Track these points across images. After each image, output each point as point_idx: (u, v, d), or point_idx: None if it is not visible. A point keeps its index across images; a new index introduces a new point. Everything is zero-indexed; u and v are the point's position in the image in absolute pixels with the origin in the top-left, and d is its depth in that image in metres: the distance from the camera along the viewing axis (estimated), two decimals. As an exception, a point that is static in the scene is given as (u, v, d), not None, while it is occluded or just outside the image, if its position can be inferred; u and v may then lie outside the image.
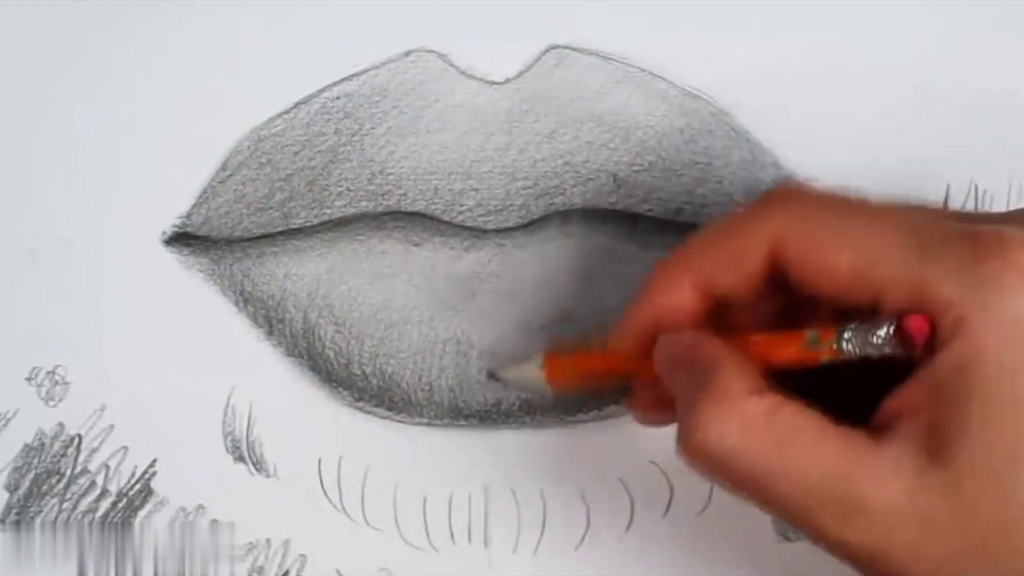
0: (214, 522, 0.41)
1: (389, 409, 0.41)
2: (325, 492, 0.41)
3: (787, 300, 0.34)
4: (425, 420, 0.41)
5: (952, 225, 0.32)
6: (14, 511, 0.41)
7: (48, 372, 0.41)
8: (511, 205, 0.40)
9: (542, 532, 0.41)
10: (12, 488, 0.41)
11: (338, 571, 0.41)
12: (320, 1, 0.41)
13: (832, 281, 0.32)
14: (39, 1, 0.41)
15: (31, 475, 0.41)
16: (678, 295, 0.34)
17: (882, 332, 0.32)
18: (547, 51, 0.41)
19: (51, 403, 0.41)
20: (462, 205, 0.40)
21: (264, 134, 0.41)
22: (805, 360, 0.33)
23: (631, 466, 0.41)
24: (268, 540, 0.41)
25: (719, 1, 0.41)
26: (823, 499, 0.31)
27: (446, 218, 0.40)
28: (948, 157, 0.41)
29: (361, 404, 0.41)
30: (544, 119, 0.41)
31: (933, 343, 0.31)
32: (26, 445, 0.41)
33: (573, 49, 0.41)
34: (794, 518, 0.31)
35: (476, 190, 0.40)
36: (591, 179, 0.41)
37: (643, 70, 0.41)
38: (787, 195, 0.33)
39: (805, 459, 0.31)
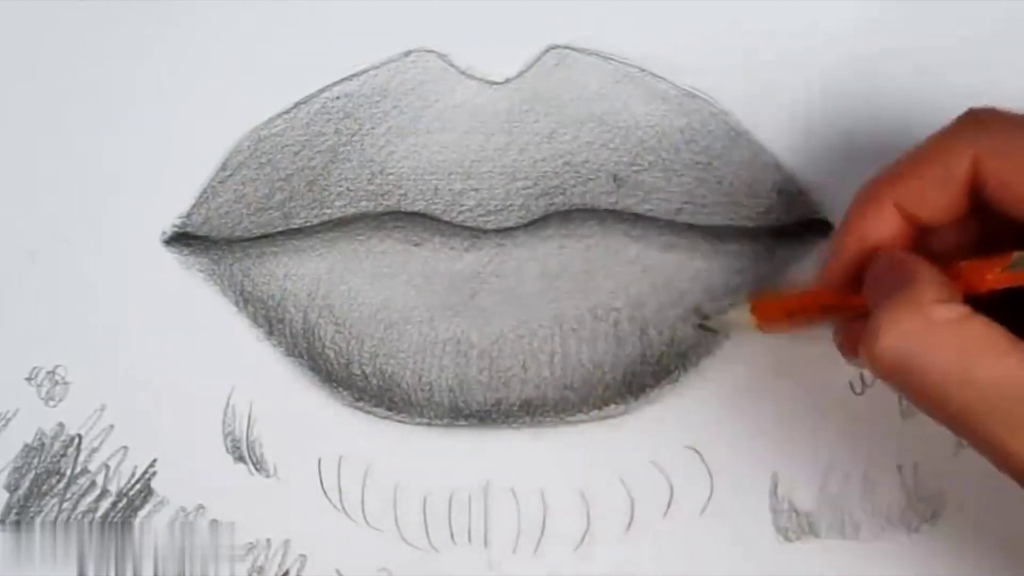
0: (214, 522, 0.41)
1: (389, 409, 0.41)
2: (325, 492, 0.41)
3: (988, 230, 0.35)
4: (425, 420, 0.41)
5: None
6: (14, 511, 0.41)
7: (48, 372, 0.41)
8: (511, 205, 0.40)
9: (542, 532, 0.41)
10: (12, 488, 0.41)
11: (338, 571, 0.41)
12: (320, 1, 0.41)
13: None
14: (39, 1, 0.41)
15: (31, 475, 0.41)
16: (883, 220, 0.35)
17: None
18: (547, 51, 0.41)
19: (51, 403, 0.41)
20: (462, 205, 0.40)
21: (264, 134, 0.41)
22: (1009, 282, 0.33)
23: (631, 466, 0.41)
24: (268, 540, 0.41)
25: (719, 1, 0.41)
26: (1001, 409, 0.31)
27: (446, 218, 0.40)
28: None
29: (361, 404, 0.41)
30: (544, 119, 0.41)
31: None
32: (26, 445, 0.41)
33: (573, 49, 0.41)
34: (967, 427, 0.32)
35: (476, 190, 0.40)
36: (591, 179, 0.41)
37: (643, 70, 0.41)
38: (984, 117, 0.34)
39: (988, 368, 0.31)
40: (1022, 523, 0.40)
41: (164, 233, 0.41)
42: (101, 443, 0.41)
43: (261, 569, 0.41)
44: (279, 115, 0.41)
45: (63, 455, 0.41)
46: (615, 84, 0.41)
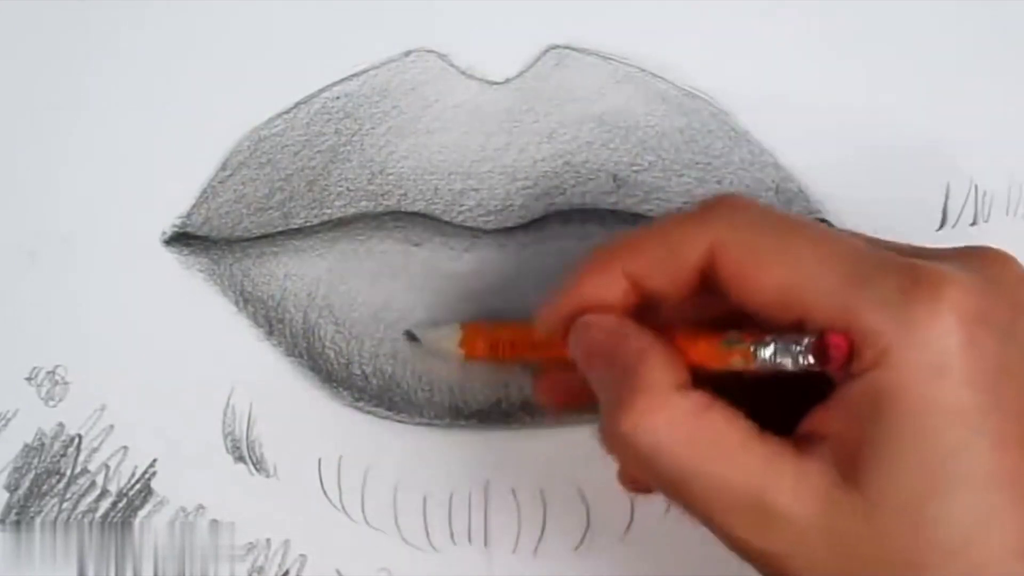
0: (214, 522, 0.41)
1: (389, 409, 0.41)
2: (325, 492, 0.41)
3: (716, 310, 0.34)
4: (425, 420, 0.41)
5: (891, 256, 0.32)
6: (14, 511, 0.41)
7: (48, 372, 0.41)
8: (511, 205, 0.40)
9: (542, 532, 0.41)
10: (12, 488, 0.41)
11: (338, 571, 0.41)
12: (320, 1, 0.41)
13: (762, 295, 0.32)
14: (40, 1, 0.41)
15: (31, 475, 0.41)
16: (609, 284, 0.34)
17: (802, 344, 0.31)
18: (547, 51, 0.41)
19: (51, 403, 0.41)
20: (462, 205, 0.40)
21: (264, 134, 0.41)
22: (721, 361, 0.33)
23: (631, 466, 0.41)
24: (268, 540, 0.41)
25: (719, 1, 0.41)
26: (740, 504, 0.31)
27: (446, 218, 0.40)
28: (948, 157, 0.41)
29: (361, 404, 0.41)
30: (544, 119, 0.41)
31: (850, 365, 0.31)
32: (26, 445, 0.41)
33: (573, 49, 0.41)
34: (708, 519, 0.32)
35: (476, 190, 0.40)
36: (591, 179, 0.41)
37: (643, 70, 0.41)
38: (731, 204, 0.33)
39: (728, 464, 0.31)
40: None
41: (164, 233, 0.41)
42: (101, 443, 0.41)
43: (261, 569, 0.41)
44: (279, 115, 0.41)
45: (63, 455, 0.41)
46: (615, 84, 0.41)
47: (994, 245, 0.33)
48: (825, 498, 0.30)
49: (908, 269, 0.31)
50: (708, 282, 0.33)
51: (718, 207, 0.33)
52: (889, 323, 0.30)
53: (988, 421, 0.30)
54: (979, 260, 0.32)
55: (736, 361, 0.32)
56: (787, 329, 0.32)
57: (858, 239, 0.33)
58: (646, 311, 0.34)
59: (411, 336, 0.40)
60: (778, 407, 0.32)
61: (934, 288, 0.30)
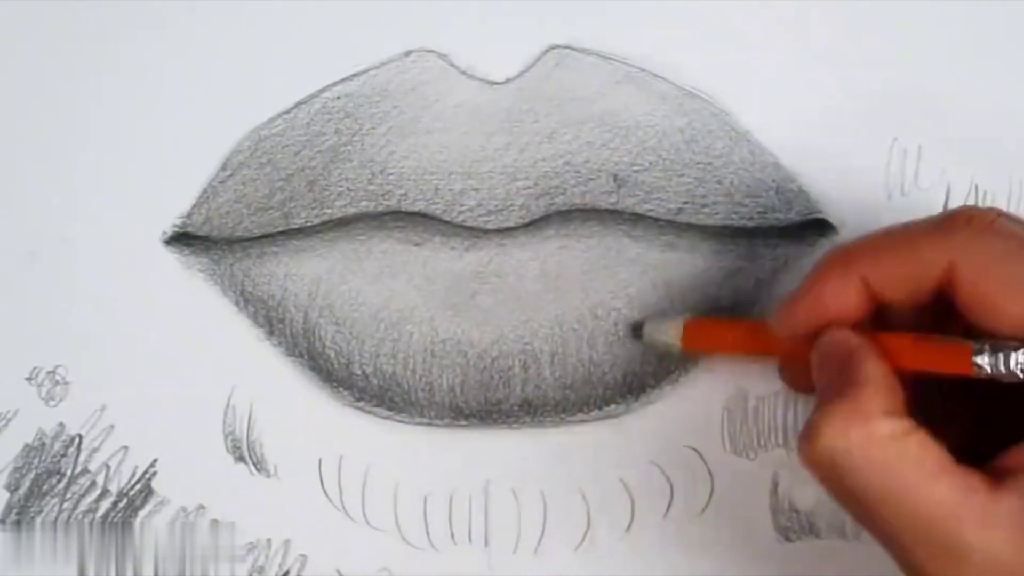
0: (214, 522, 0.41)
1: (389, 409, 0.41)
2: (325, 492, 0.41)
3: (945, 321, 0.34)
4: (425, 420, 0.41)
5: None
6: (14, 511, 0.41)
7: (48, 372, 0.41)
8: (511, 205, 0.40)
9: (542, 532, 0.41)
10: (12, 488, 0.41)
11: (338, 571, 0.41)
12: (320, 1, 0.41)
13: (1005, 322, 0.32)
14: (40, 1, 0.41)
15: (31, 475, 0.41)
16: (847, 291, 0.34)
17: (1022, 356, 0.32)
18: (547, 51, 0.41)
19: (51, 403, 0.41)
20: (462, 205, 0.40)
21: (264, 134, 0.41)
22: (963, 365, 0.33)
23: (631, 466, 0.41)
24: (268, 540, 0.41)
25: (719, 1, 0.41)
26: (928, 533, 0.31)
27: (446, 218, 0.40)
28: (948, 157, 0.41)
29: (361, 404, 0.41)
30: (544, 119, 0.41)
31: None
32: (26, 445, 0.41)
33: (573, 49, 0.41)
34: (893, 544, 0.32)
35: (476, 190, 0.40)
36: (591, 179, 0.41)
37: (643, 70, 0.41)
38: (974, 220, 0.33)
39: (919, 491, 0.31)
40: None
41: (164, 233, 0.41)
42: (101, 443, 0.41)
43: (261, 569, 0.41)
44: (279, 115, 0.41)
45: (63, 455, 0.41)
46: (615, 84, 0.41)
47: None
48: (1019, 535, 0.30)
49: None
50: (944, 297, 0.33)
51: (960, 222, 0.33)
52: None
53: None
54: None
55: (982, 366, 0.32)
56: None
57: None
58: (879, 315, 0.35)
59: (636, 331, 0.40)
60: (975, 438, 0.32)
61: None
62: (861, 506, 0.32)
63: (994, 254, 0.33)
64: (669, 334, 0.39)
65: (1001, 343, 0.32)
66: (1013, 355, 0.32)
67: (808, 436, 0.32)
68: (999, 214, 0.34)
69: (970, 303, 0.33)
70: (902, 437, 0.31)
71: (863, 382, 0.32)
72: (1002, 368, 0.32)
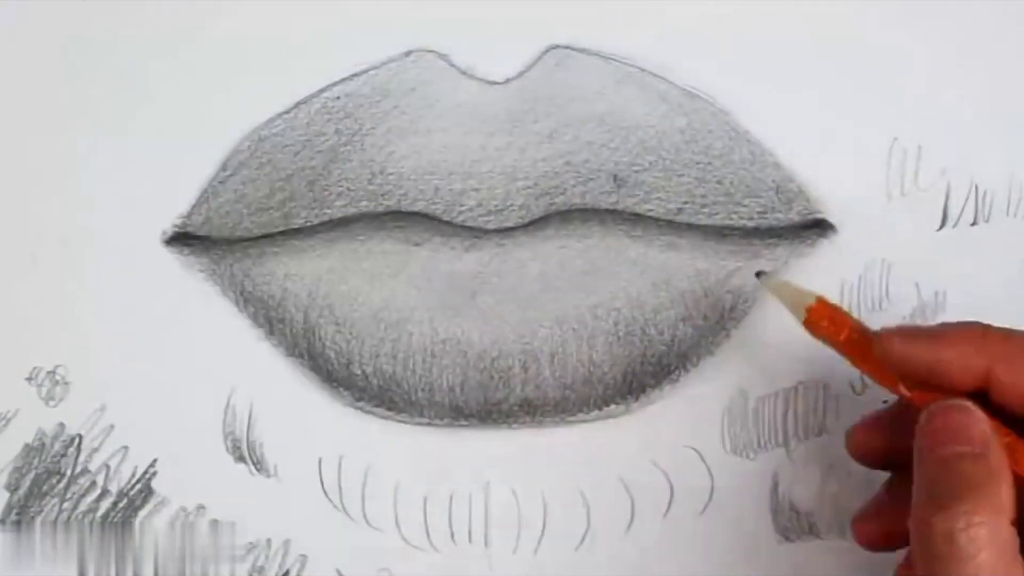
0: (214, 522, 0.41)
1: (389, 409, 0.41)
2: (325, 492, 0.41)
3: None
4: (425, 420, 0.41)
5: None
6: (14, 511, 0.41)
7: (48, 372, 0.41)
8: (511, 205, 0.40)
9: (542, 532, 0.41)
10: (12, 488, 0.41)
11: (338, 571, 0.41)
12: (320, 1, 0.41)
13: None
14: (40, 1, 0.41)
15: (31, 475, 0.41)
16: (968, 361, 0.34)
17: None
18: (547, 51, 0.41)
19: (51, 403, 0.41)
20: (462, 205, 0.40)
21: (264, 134, 0.41)
22: None
23: (631, 466, 0.41)
24: (268, 540, 0.41)
25: (719, 1, 0.41)
26: None
27: (446, 218, 0.40)
28: (948, 157, 0.41)
29: (361, 404, 0.41)
30: (544, 119, 0.41)
31: None
32: (26, 445, 0.41)
33: (573, 49, 0.41)
34: None
35: (476, 190, 0.40)
36: (591, 179, 0.41)
37: (643, 70, 0.41)
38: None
39: None
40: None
41: (164, 233, 0.41)
42: (101, 443, 0.41)
43: (261, 569, 0.41)
44: (279, 115, 0.41)
45: (63, 455, 0.41)
46: (615, 84, 0.41)
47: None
48: None
49: None
50: None
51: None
52: None
53: None
54: None
55: None
56: None
57: None
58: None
59: (761, 273, 0.40)
60: None
61: None
62: None
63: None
64: (798, 302, 0.38)
65: None
66: None
67: (927, 511, 0.32)
68: None
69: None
70: (1017, 553, 0.32)
71: (1000, 477, 0.32)
72: None
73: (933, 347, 0.35)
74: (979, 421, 0.34)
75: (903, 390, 0.36)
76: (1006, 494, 0.32)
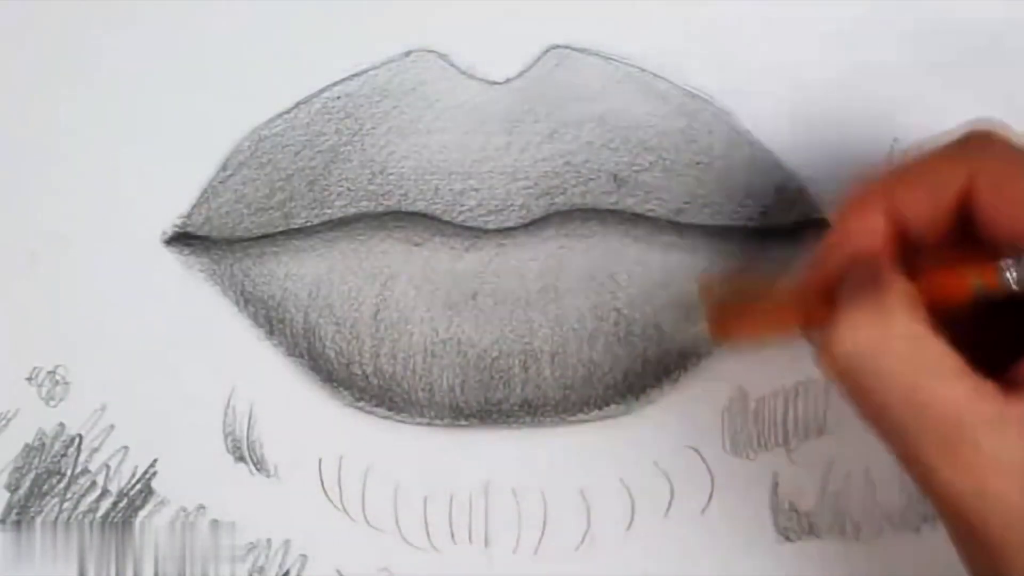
0: (214, 522, 0.41)
1: (389, 409, 0.41)
2: (325, 492, 0.41)
3: (968, 249, 0.35)
4: (425, 420, 0.41)
5: None
6: (14, 511, 0.41)
7: (48, 372, 0.41)
8: (511, 205, 0.40)
9: (542, 532, 0.41)
10: (12, 488, 0.41)
11: (338, 571, 0.41)
12: (320, 1, 0.41)
13: (1020, 227, 0.33)
14: (40, 1, 0.41)
15: (31, 475, 0.41)
16: (870, 226, 0.35)
17: None
18: (547, 51, 0.41)
19: (51, 403, 0.41)
20: (462, 205, 0.40)
21: (264, 134, 0.41)
22: (964, 288, 0.34)
23: (631, 466, 0.41)
24: (268, 540, 0.41)
25: (719, 1, 0.41)
26: (940, 431, 0.31)
27: (446, 218, 0.40)
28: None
29: (361, 404, 0.41)
30: (544, 119, 0.41)
31: None
32: (26, 445, 0.41)
33: (573, 49, 0.41)
34: (901, 444, 0.32)
35: (476, 190, 0.40)
36: (591, 179, 0.41)
37: (643, 70, 0.41)
38: (987, 136, 0.34)
39: (935, 390, 0.31)
40: (1022, 523, 0.40)
41: (164, 233, 0.41)
42: (101, 443, 0.41)
43: (261, 569, 0.41)
44: (279, 115, 0.41)
45: (63, 455, 0.41)
46: (615, 84, 0.41)
47: None
48: None
49: None
50: (964, 221, 0.34)
51: (974, 139, 0.34)
52: None
53: None
54: None
55: (981, 288, 0.33)
56: None
57: None
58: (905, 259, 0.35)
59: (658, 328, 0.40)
60: (984, 353, 0.33)
61: None
62: (874, 408, 0.32)
63: (1012, 163, 0.33)
64: (694, 327, 0.39)
65: (988, 267, 0.33)
66: (1010, 271, 0.33)
67: (826, 337, 0.32)
68: (1009, 132, 0.34)
69: (986, 213, 0.33)
70: (922, 338, 0.32)
71: (885, 287, 0.33)
72: (998, 284, 0.33)
73: (839, 239, 0.35)
74: (858, 262, 0.34)
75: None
76: (895, 301, 0.32)
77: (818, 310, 0.35)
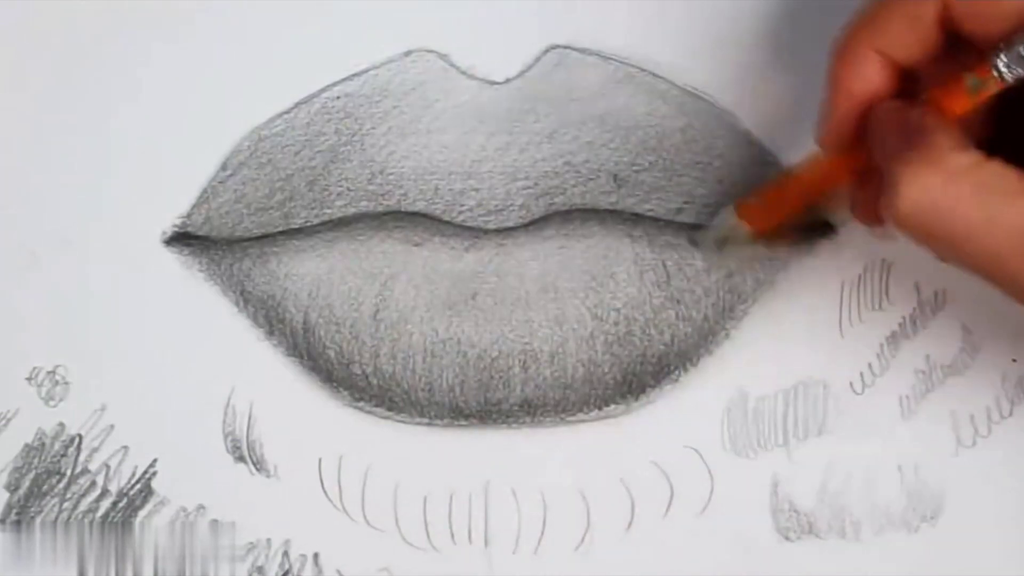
0: (214, 522, 0.41)
1: (389, 409, 0.41)
2: (325, 492, 0.41)
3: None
4: (425, 420, 0.41)
5: None
6: (14, 511, 0.41)
7: (48, 372, 0.41)
8: (511, 205, 0.40)
9: (542, 532, 0.41)
10: (12, 488, 0.41)
11: (338, 571, 0.41)
12: (320, 1, 0.41)
13: (1003, 23, 0.33)
14: (40, 1, 0.41)
15: (31, 475, 0.41)
16: (866, 69, 0.35)
17: None
18: (547, 51, 0.41)
19: (51, 403, 0.41)
20: (462, 205, 0.40)
21: (264, 134, 0.41)
22: (977, 100, 0.34)
23: (631, 466, 0.41)
24: (268, 540, 0.41)
25: (719, 1, 0.41)
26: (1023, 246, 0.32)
27: (446, 218, 0.40)
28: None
29: (361, 404, 0.41)
30: (544, 119, 0.41)
31: None
32: (26, 445, 0.41)
33: (573, 49, 0.41)
34: (996, 272, 0.32)
35: (476, 190, 0.40)
36: (591, 179, 0.41)
37: (643, 70, 0.41)
38: None
39: (1007, 208, 0.32)
40: (1022, 523, 0.41)
41: (164, 233, 0.41)
42: (101, 443, 0.41)
43: (261, 569, 0.41)
44: (279, 115, 0.41)
45: (63, 455, 0.41)
46: (615, 84, 0.41)
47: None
48: None
49: None
50: (951, 38, 0.34)
51: None
52: None
53: None
54: None
55: (977, 85, 0.34)
56: None
57: None
58: (908, 92, 0.35)
59: (693, 241, 0.40)
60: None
61: None
62: (958, 244, 0.32)
63: None
64: (734, 227, 0.39)
65: (1012, 40, 0.33)
66: (996, 60, 0.33)
67: (890, 197, 0.33)
68: None
69: (970, 23, 0.34)
70: (979, 165, 0.32)
71: (928, 129, 0.33)
72: (995, 79, 0.33)
73: (842, 95, 0.36)
74: (882, 110, 0.35)
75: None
76: (942, 140, 0.33)
77: (843, 167, 0.36)
